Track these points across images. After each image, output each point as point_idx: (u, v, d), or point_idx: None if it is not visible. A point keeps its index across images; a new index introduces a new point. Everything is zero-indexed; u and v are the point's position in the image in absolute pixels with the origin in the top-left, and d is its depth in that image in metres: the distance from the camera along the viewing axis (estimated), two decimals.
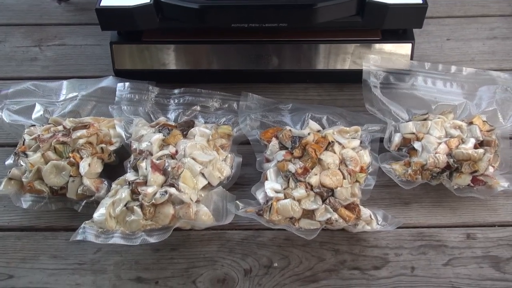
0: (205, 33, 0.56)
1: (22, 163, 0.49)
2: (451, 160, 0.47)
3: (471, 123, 0.50)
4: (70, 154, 0.49)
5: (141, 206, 0.44)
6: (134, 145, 0.49)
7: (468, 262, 0.45)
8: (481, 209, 0.49)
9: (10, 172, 0.49)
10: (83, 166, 0.48)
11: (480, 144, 0.49)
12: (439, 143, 0.48)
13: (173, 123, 0.52)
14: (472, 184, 0.47)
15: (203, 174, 0.47)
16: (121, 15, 0.53)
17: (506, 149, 0.49)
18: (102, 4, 0.53)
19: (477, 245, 0.47)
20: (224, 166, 0.49)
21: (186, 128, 0.50)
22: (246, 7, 0.51)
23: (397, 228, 0.47)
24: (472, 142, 0.48)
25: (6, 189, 0.48)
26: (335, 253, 0.47)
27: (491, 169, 0.47)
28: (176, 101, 0.56)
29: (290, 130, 0.50)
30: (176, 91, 0.56)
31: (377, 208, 0.47)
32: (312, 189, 0.45)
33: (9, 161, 0.51)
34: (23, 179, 0.48)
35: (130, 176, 0.46)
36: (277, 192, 0.45)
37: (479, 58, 0.63)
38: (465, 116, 0.51)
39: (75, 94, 0.56)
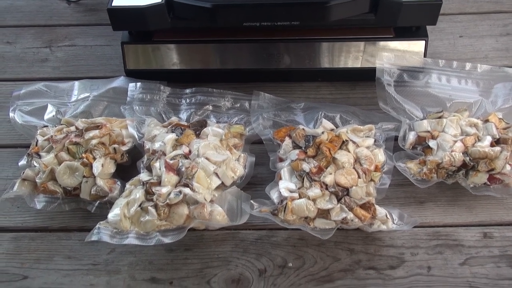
0: (217, 32, 0.56)
1: (35, 164, 0.49)
2: (467, 158, 0.47)
3: (487, 120, 0.49)
4: (83, 155, 0.49)
5: (156, 207, 0.44)
6: (147, 145, 0.49)
7: (485, 262, 0.45)
8: (498, 208, 0.48)
9: (23, 173, 0.49)
10: (96, 167, 0.48)
11: (496, 142, 0.48)
12: (455, 141, 0.47)
13: (185, 123, 0.52)
14: (488, 183, 0.47)
15: (216, 174, 0.46)
16: (132, 15, 0.53)
17: None
18: (114, 4, 0.53)
19: (494, 244, 0.46)
20: (237, 165, 0.48)
21: (199, 127, 0.50)
22: (259, 5, 0.51)
23: (413, 227, 0.47)
24: (488, 140, 0.47)
25: (20, 190, 0.48)
26: (350, 253, 0.46)
27: (508, 167, 0.46)
28: (187, 100, 0.56)
29: (303, 129, 0.50)
30: (187, 90, 0.56)
31: (393, 207, 0.47)
32: (327, 189, 0.45)
33: (22, 162, 0.51)
34: (36, 180, 0.48)
35: (144, 176, 0.46)
36: (291, 191, 0.45)
37: (492, 55, 0.62)
38: (481, 113, 0.50)
39: (86, 94, 0.56)
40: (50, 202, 0.49)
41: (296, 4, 0.50)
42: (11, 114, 0.55)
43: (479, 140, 0.48)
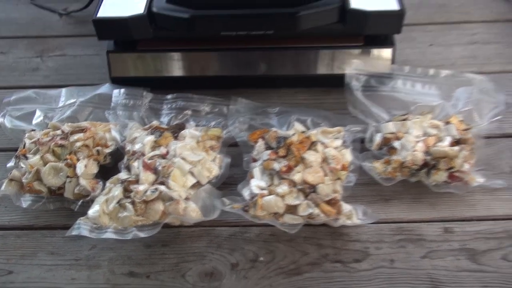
0: (196, 42, 0.59)
1: (22, 165, 0.52)
2: (428, 157, 0.49)
3: (448, 122, 0.52)
4: (68, 156, 0.52)
5: (133, 203, 0.46)
6: (128, 147, 0.52)
7: (445, 255, 0.47)
8: (459, 205, 0.51)
9: (11, 173, 0.52)
10: (80, 167, 0.51)
11: (457, 142, 0.51)
12: (417, 142, 0.50)
13: (165, 126, 0.55)
14: (449, 180, 0.50)
15: (192, 173, 0.49)
16: (116, 25, 0.56)
17: (482, 147, 0.51)
18: (98, 15, 0.56)
19: (455, 239, 0.48)
20: (213, 166, 0.51)
21: (177, 130, 0.53)
22: (234, 16, 0.54)
23: (378, 223, 0.49)
24: (448, 140, 0.50)
25: (7, 189, 0.51)
26: (318, 247, 0.49)
27: (466, 166, 0.49)
28: (169, 106, 0.59)
29: (276, 131, 0.53)
30: (169, 96, 0.59)
31: (358, 205, 0.49)
32: (295, 186, 0.48)
33: (11, 163, 0.54)
34: (23, 180, 0.51)
35: (122, 175, 0.49)
36: (262, 189, 0.48)
37: (460, 62, 0.65)
38: (443, 116, 0.53)
39: (73, 100, 0.60)
40: (35, 201, 0.51)
41: (269, 14, 0.54)
42: (0, 119, 0.58)
43: (440, 141, 0.51)
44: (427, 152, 0.50)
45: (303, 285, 0.46)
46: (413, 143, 0.50)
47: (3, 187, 0.51)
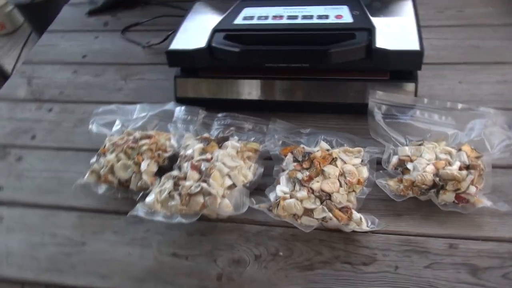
0: (246, 71, 0.71)
1: (101, 160, 0.66)
2: (437, 178, 0.55)
3: (460, 149, 0.57)
4: (136, 156, 0.65)
5: (180, 195, 0.57)
6: (182, 152, 0.64)
7: (447, 267, 0.52)
8: (467, 225, 0.55)
9: (92, 166, 0.66)
10: (143, 165, 0.64)
11: (467, 167, 0.56)
12: (428, 164, 0.56)
13: (213, 138, 0.66)
14: (456, 201, 0.54)
15: (229, 176, 0.59)
16: (183, 56, 0.70)
17: (490, 173, 0.56)
18: (170, 48, 0.70)
19: (458, 254, 0.53)
20: (248, 172, 0.61)
21: (221, 141, 0.64)
22: (276, 51, 0.65)
23: (387, 234, 0.55)
24: (457, 164, 0.55)
25: (89, 178, 0.65)
26: (331, 249, 0.56)
27: (473, 189, 0.54)
28: (218, 122, 0.70)
29: (303, 147, 0.62)
30: (219, 114, 0.71)
31: (369, 215, 0.56)
32: (313, 193, 0.56)
33: (93, 159, 0.68)
34: (100, 172, 0.65)
35: (174, 172, 0.60)
36: (285, 193, 0.57)
37: (486, 99, 0.70)
38: (456, 144, 0.59)
39: (144, 114, 0.73)
40: (108, 190, 0.65)
41: (305, 51, 0.64)
42: (90, 126, 0.74)
43: (450, 165, 0.56)
44: (436, 174, 0.56)
45: (313, 279, 0.53)
46: (424, 165, 0.56)
47: (86, 176, 0.66)
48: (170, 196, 0.58)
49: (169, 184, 0.59)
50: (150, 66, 0.89)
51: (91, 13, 1.07)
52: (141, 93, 0.83)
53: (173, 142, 0.68)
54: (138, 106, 0.75)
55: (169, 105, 0.74)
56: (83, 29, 1.03)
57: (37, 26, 2.05)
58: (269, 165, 0.65)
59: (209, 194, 0.57)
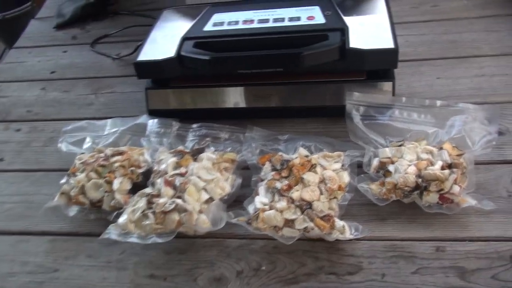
0: (218, 79, 0.69)
1: (71, 181, 0.63)
2: (419, 180, 0.53)
3: (441, 148, 0.56)
4: (107, 174, 0.62)
5: (154, 213, 0.55)
6: (155, 167, 0.61)
7: (435, 272, 0.50)
8: (453, 226, 0.53)
9: (62, 188, 0.63)
10: (116, 184, 0.61)
11: (449, 166, 0.54)
12: (409, 165, 0.54)
13: (187, 150, 0.63)
14: (440, 202, 0.53)
15: (205, 190, 0.57)
16: (152, 66, 0.67)
17: (473, 171, 0.54)
18: (138, 59, 0.68)
19: (446, 257, 0.51)
20: (225, 184, 0.59)
21: (196, 153, 0.62)
22: (247, 57, 0.63)
23: (372, 240, 0.53)
24: (439, 164, 0.54)
25: (59, 201, 0.62)
26: (315, 260, 0.53)
27: (456, 188, 0.52)
28: (193, 133, 0.67)
29: (281, 155, 0.59)
30: (194, 125, 0.68)
31: (352, 221, 0.54)
32: (293, 203, 0.53)
33: (63, 180, 0.65)
34: (71, 193, 0.62)
35: (147, 189, 0.57)
36: (264, 204, 0.54)
37: (465, 94, 0.69)
38: (436, 142, 0.57)
39: (116, 129, 0.70)
40: (80, 211, 0.62)
41: (277, 55, 0.62)
42: (59, 145, 0.70)
43: (432, 165, 0.54)
44: (419, 175, 0.54)
45: None
46: (405, 166, 0.54)
47: (56, 198, 0.62)
48: (144, 215, 0.55)
49: (142, 203, 0.56)
50: (121, 78, 0.87)
51: (59, 26, 1.04)
52: (112, 107, 0.80)
53: (147, 157, 0.65)
54: (109, 121, 0.72)
55: (142, 119, 0.71)
56: (51, 43, 0.99)
57: (9, 42, 2.00)
58: (247, 175, 0.62)
59: (185, 210, 0.54)
